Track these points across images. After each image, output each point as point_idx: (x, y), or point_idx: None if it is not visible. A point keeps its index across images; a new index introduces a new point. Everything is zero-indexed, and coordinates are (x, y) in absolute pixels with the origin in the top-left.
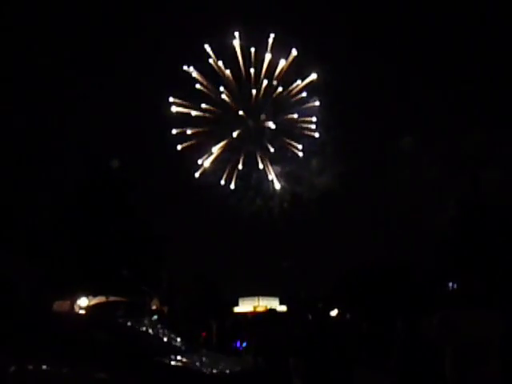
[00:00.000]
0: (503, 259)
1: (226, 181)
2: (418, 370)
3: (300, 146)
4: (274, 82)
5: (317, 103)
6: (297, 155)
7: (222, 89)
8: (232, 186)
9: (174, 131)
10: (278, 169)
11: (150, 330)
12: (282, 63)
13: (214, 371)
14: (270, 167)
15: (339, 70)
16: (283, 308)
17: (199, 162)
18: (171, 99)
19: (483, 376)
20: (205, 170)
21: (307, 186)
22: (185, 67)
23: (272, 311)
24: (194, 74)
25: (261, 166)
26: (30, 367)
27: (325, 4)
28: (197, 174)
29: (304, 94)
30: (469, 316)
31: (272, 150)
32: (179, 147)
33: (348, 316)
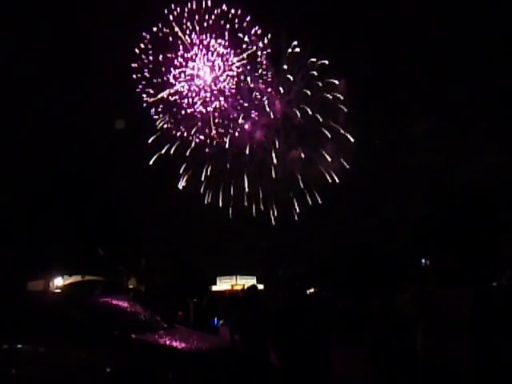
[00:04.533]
0: (474, 237)
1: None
2: (391, 345)
3: None
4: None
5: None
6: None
7: None
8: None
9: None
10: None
11: (127, 309)
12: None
13: (191, 348)
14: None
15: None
16: (260, 286)
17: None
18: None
19: (454, 350)
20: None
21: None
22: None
23: (253, 287)
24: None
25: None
26: (5, 346)
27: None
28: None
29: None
30: (440, 292)
31: None
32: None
33: (324, 294)
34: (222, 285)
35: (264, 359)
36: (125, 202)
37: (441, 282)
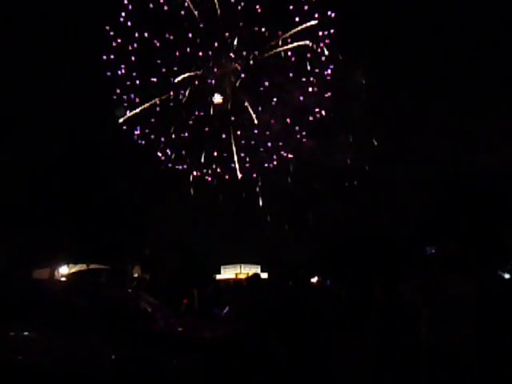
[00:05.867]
0: (477, 227)
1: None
2: (394, 333)
3: None
4: None
5: None
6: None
7: None
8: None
9: None
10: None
11: (132, 297)
12: None
13: (196, 336)
14: None
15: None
16: (264, 275)
17: None
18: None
19: (458, 337)
20: None
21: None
22: None
23: (256, 276)
24: None
25: None
26: (12, 334)
27: None
28: None
29: None
30: (444, 280)
31: None
32: None
33: (328, 282)
34: (226, 273)
35: (267, 346)
36: (129, 190)
37: (445, 269)
